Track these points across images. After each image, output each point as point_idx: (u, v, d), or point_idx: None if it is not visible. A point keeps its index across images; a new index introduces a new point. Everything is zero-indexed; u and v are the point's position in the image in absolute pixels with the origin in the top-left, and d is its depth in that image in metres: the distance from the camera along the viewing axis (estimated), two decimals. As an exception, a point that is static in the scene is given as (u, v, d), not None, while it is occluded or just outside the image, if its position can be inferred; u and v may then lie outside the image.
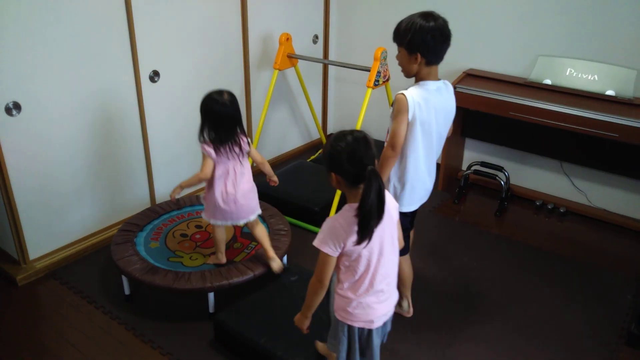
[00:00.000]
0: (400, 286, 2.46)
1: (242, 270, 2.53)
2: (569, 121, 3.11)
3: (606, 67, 3.18)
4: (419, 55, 2.06)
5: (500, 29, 3.52)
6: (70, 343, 2.43)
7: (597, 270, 2.98)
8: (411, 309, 2.62)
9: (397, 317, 2.57)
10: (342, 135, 1.63)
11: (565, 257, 3.09)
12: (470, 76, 3.58)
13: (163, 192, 3.36)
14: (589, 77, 3.23)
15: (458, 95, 3.44)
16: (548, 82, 3.34)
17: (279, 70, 3.64)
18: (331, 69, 4.37)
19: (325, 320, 2.13)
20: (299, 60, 3.74)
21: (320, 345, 2.15)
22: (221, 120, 2.33)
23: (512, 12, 3.44)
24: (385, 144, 2.17)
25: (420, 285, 2.82)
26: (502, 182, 3.55)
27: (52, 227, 2.90)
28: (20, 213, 2.73)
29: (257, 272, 2.54)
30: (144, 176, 3.25)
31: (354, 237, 1.61)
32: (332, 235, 1.62)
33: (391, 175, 2.22)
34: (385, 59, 3.26)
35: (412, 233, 2.54)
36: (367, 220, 1.56)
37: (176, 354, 2.36)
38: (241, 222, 2.54)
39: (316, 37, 4.16)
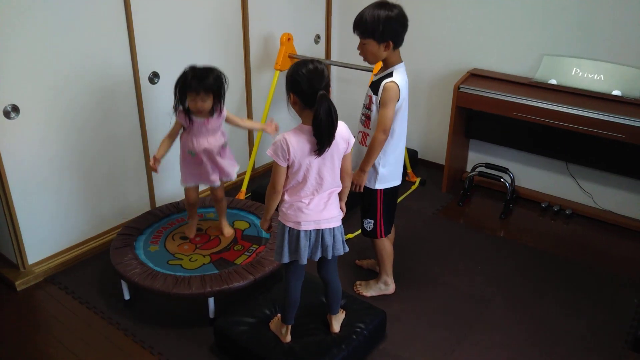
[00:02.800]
0: (378, 264, 2.71)
1: (243, 275, 2.50)
2: (575, 122, 3.07)
3: (613, 67, 3.13)
4: (391, 43, 2.28)
5: (505, 28, 3.47)
6: (68, 349, 2.40)
7: (603, 273, 2.94)
8: (393, 286, 2.74)
9: (398, 323, 2.54)
10: (303, 62, 1.91)
11: (571, 260, 3.05)
12: (475, 76, 3.54)
13: (163, 195, 3.33)
14: (595, 77, 3.18)
15: (462, 95, 3.44)
16: (553, 82, 3.29)
17: (280, 70, 3.61)
18: (333, 70, 4.33)
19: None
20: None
21: (273, 325, 2.34)
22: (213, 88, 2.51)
23: (517, 10, 3.39)
24: (370, 129, 2.42)
25: (423, 288, 2.79)
26: (507, 184, 3.51)
27: (51, 231, 2.87)
28: (19, 217, 2.70)
29: (258, 276, 2.51)
30: (144, 179, 3.22)
31: (296, 152, 1.93)
32: (279, 148, 1.94)
33: (383, 154, 2.42)
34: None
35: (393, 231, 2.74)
36: (320, 135, 1.89)
37: (176, 360, 2.34)
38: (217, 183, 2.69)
39: (318, 37, 4.13)
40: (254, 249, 2.74)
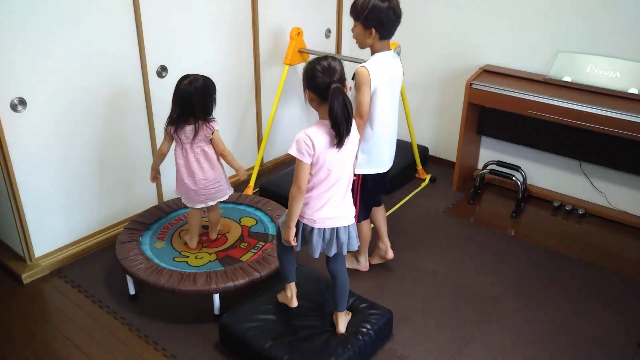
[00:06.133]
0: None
1: (248, 272, 2.48)
2: (589, 120, 3.01)
3: (629, 64, 3.06)
4: (373, 31, 2.35)
5: (518, 24, 3.41)
6: (73, 343, 2.40)
7: (616, 274, 2.88)
8: (365, 264, 2.82)
9: (405, 322, 2.51)
10: (318, 59, 2.00)
11: (582, 260, 2.99)
12: (487, 72, 3.48)
13: (170, 190, 3.31)
14: (611, 75, 3.11)
15: (474, 92, 3.39)
16: (568, 79, 3.23)
17: (290, 65, 3.57)
18: (344, 64, 4.28)
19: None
20: (310, 55, 3.66)
21: (280, 296, 2.39)
22: (177, 100, 2.47)
23: (531, 6, 3.33)
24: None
25: (432, 287, 2.75)
26: (519, 182, 3.45)
27: (58, 224, 2.87)
28: (25, 210, 2.70)
29: (263, 273, 2.49)
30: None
31: (320, 146, 1.96)
32: (303, 145, 1.96)
33: (364, 140, 2.45)
34: (399, 54, 3.17)
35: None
36: (338, 126, 1.93)
37: (180, 356, 2.32)
38: (199, 206, 2.63)
39: (329, 31, 4.08)
40: (260, 246, 2.72)
